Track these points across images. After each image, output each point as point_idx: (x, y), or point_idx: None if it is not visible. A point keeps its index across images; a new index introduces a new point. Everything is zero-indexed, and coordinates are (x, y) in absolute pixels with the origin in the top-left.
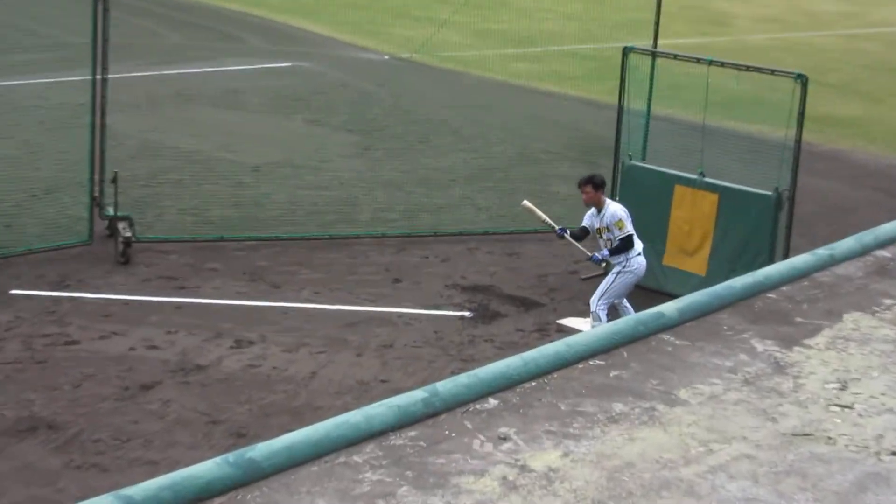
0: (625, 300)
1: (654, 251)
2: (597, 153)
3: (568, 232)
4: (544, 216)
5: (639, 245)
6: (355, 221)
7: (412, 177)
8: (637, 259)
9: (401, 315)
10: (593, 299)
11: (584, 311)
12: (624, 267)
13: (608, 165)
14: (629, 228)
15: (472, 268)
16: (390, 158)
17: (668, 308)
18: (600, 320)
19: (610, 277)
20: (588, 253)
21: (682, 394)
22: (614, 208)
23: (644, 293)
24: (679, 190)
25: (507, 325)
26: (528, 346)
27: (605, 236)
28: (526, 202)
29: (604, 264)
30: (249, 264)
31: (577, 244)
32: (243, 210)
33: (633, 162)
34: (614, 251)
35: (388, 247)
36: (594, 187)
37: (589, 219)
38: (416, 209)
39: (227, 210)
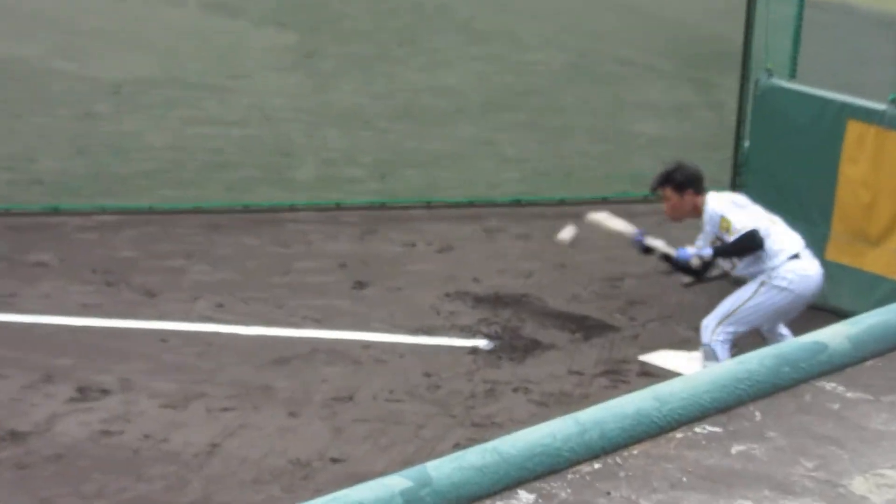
0: (782, 328)
1: (811, 237)
2: (712, 65)
3: (646, 239)
4: (623, 226)
5: (784, 242)
6: (289, 182)
7: (388, 105)
8: (792, 266)
9: (367, 345)
10: (708, 323)
11: (687, 342)
12: (771, 278)
13: (730, 85)
14: (743, 223)
15: (493, 264)
16: (350, 73)
17: (835, 335)
18: (716, 358)
19: (744, 291)
20: (671, 251)
21: (859, 485)
22: (712, 205)
23: None
24: (855, 129)
25: (551, 363)
26: (588, 401)
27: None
28: (595, 215)
29: (715, 271)
30: (103, 255)
31: (660, 246)
32: (93, 162)
33: (775, 80)
34: (728, 252)
35: (345, 226)
36: (676, 189)
37: (702, 238)
38: (394, 161)
39: (66, 162)
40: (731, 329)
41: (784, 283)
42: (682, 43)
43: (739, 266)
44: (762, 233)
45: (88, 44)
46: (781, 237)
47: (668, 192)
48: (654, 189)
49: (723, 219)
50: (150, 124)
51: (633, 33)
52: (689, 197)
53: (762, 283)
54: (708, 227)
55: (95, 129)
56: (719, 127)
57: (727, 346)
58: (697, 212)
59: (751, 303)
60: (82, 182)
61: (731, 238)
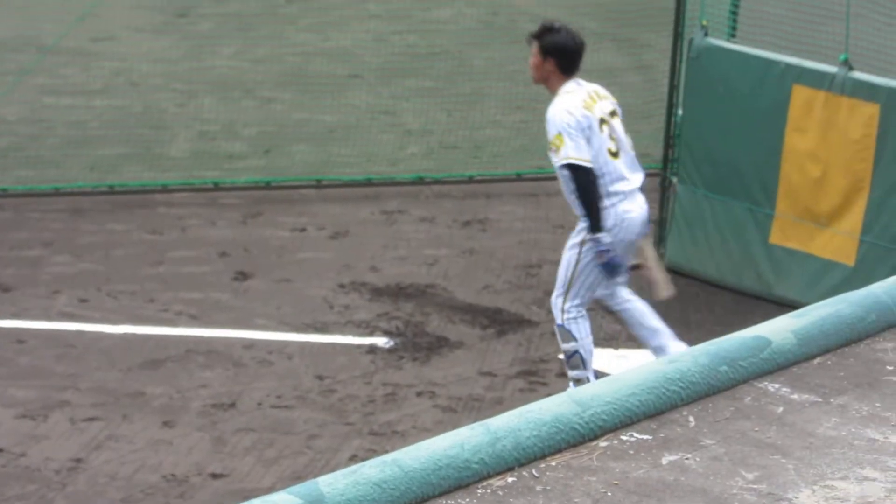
0: (625, 294)
1: (753, 218)
2: (640, 23)
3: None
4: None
5: (618, 183)
6: (160, 160)
7: (273, 71)
8: (612, 212)
9: (250, 344)
10: (555, 301)
11: (613, 337)
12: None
13: (661, 46)
14: (571, 153)
15: (393, 251)
16: (229, 34)
17: (779, 330)
18: (574, 339)
19: (570, 255)
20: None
21: (806, 499)
22: (554, 111)
23: (730, 297)
24: (801, 94)
25: (460, 363)
26: (501, 407)
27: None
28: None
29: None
30: None
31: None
32: None
33: (711, 39)
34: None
35: (224, 208)
36: (541, 50)
37: None
38: (280, 135)
39: None
40: (577, 302)
41: (605, 234)
42: None
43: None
44: (596, 170)
45: None
46: (616, 176)
47: (535, 48)
48: (528, 38)
49: (558, 135)
50: (1, 94)
51: None
52: (549, 66)
53: (583, 241)
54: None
55: None
56: (649, 93)
57: (582, 321)
58: (551, 89)
59: (580, 266)
60: None
61: (554, 158)
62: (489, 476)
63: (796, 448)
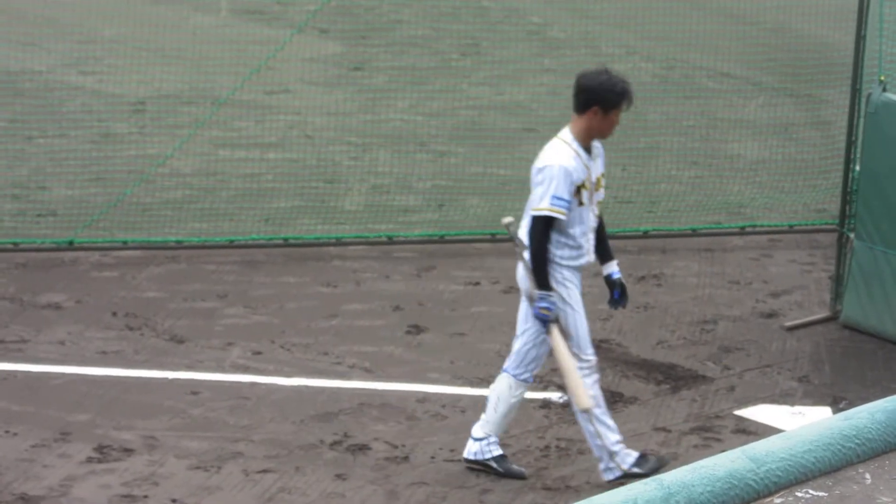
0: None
1: None
2: (818, 78)
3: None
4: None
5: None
6: (335, 213)
7: (447, 124)
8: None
9: (424, 398)
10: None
11: (790, 394)
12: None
13: (839, 101)
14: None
15: None
16: (404, 88)
17: None
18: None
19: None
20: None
21: None
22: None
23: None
24: None
25: (634, 418)
26: (675, 462)
27: None
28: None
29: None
30: (125, 296)
31: None
32: (113, 190)
33: (889, 95)
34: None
35: (398, 261)
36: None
37: None
38: (454, 188)
39: (82, 190)
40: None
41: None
42: (785, 52)
43: None
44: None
45: (107, 55)
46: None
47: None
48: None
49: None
50: (177, 147)
51: (728, 42)
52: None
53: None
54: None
55: (115, 152)
56: (827, 149)
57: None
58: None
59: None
60: (100, 213)
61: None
62: None
63: None
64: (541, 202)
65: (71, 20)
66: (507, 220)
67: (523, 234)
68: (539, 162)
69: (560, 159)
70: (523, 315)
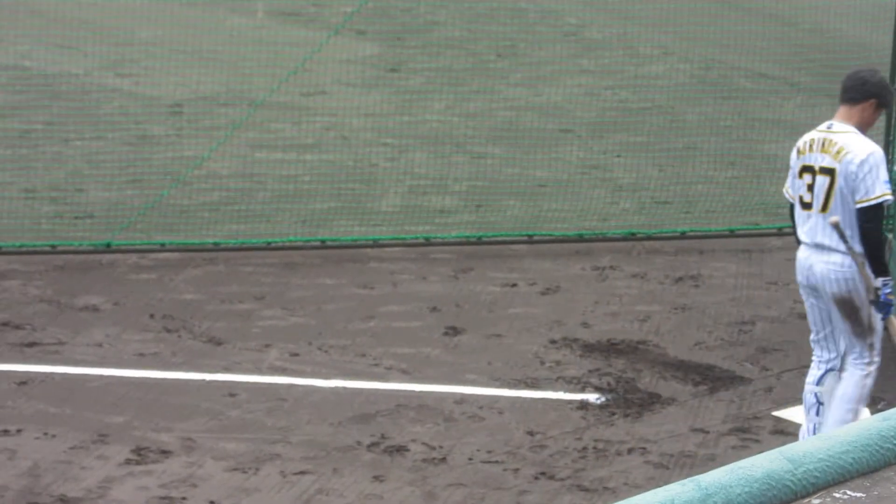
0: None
1: None
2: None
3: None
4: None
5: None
6: (372, 214)
7: (484, 126)
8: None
9: (461, 399)
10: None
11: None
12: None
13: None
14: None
15: (604, 307)
16: (440, 89)
17: None
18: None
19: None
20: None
21: None
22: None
23: None
24: None
25: (672, 419)
26: (713, 464)
27: None
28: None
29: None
30: (162, 298)
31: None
32: (150, 192)
33: None
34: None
35: (435, 263)
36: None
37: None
38: (491, 189)
39: (119, 192)
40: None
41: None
42: (823, 52)
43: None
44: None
45: (144, 57)
46: (800, 222)
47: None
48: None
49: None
50: (213, 149)
51: (766, 42)
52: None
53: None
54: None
55: (152, 154)
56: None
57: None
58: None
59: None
60: (137, 215)
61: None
62: None
63: None
64: (875, 190)
65: (108, 23)
66: (834, 219)
67: (826, 234)
68: (854, 156)
69: (875, 146)
70: (818, 316)
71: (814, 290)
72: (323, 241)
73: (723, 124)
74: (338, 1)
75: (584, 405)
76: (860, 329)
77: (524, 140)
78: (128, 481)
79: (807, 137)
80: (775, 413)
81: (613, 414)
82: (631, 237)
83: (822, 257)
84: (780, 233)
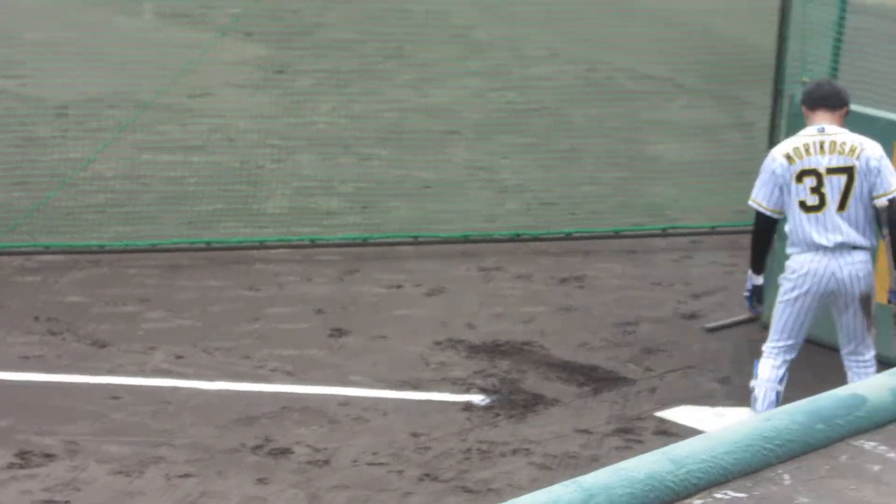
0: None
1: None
2: (740, 79)
3: None
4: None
5: (797, 235)
6: (258, 216)
7: (370, 125)
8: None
9: (346, 401)
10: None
11: (711, 395)
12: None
13: (762, 103)
14: (752, 193)
15: (490, 308)
16: (327, 91)
17: (876, 388)
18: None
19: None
20: None
21: None
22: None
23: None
24: None
25: (556, 420)
26: (597, 464)
27: None
28: None
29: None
30: (47, 301)
31: None
32: (35, 194)
33: None
34: None
35: (321, 264)
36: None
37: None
38: (377, 191)
39: (3, 194)
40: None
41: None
42: (707, 53)
43: None
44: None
45: (30, 58)
46: (799, 229)
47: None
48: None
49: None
50: (99, 151)
51: (650, 44)
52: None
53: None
54: None
55: (38, 156)
56: (749, 150)
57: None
58: None
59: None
60: (23, 217)
61: None
62: None
63: None
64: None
65: None
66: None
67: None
68: (871, 151)
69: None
70: (803, 323)
71: (829, 296)
72: (208, 243)
73: (608, 126)
74: (226, 2)
75: (468, 406)
76: (870, 321)
77: (410, 141)
78: (11, 485)
79: (795, 143)
80: (658, 413)
81: (498, 415)
82: (517, 238)
83: (847, 258)
84: (664, 233)
